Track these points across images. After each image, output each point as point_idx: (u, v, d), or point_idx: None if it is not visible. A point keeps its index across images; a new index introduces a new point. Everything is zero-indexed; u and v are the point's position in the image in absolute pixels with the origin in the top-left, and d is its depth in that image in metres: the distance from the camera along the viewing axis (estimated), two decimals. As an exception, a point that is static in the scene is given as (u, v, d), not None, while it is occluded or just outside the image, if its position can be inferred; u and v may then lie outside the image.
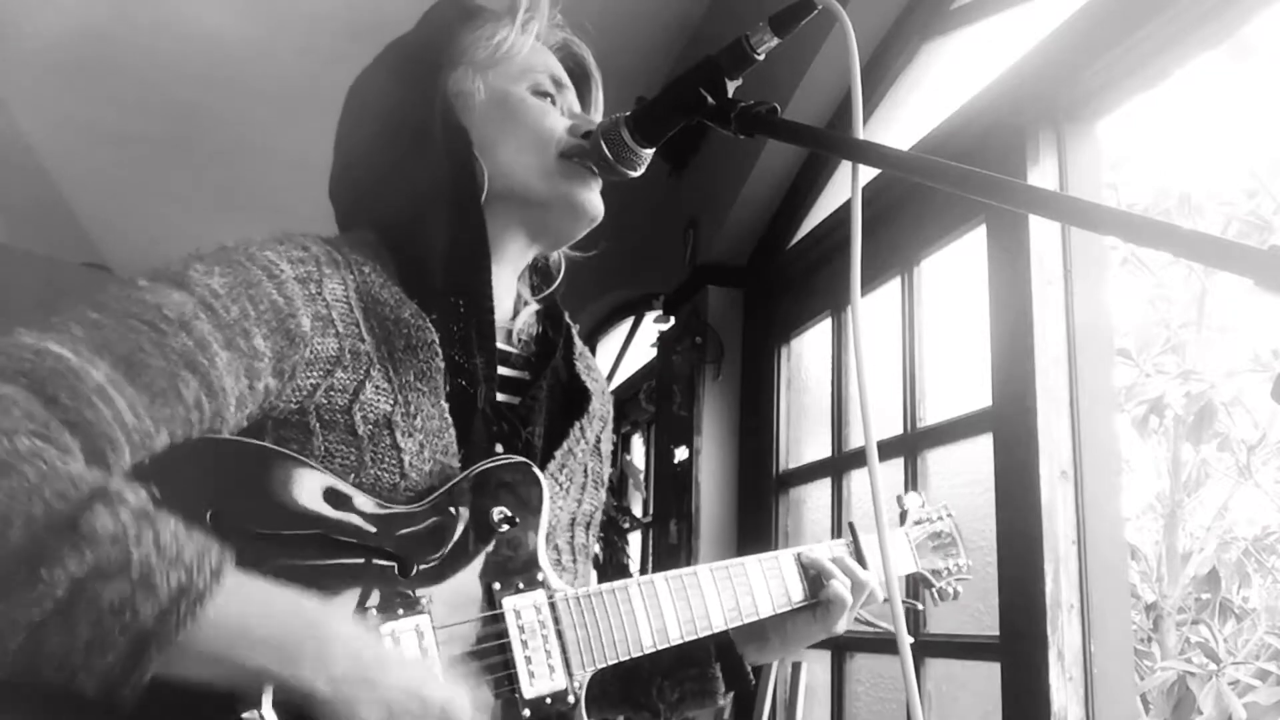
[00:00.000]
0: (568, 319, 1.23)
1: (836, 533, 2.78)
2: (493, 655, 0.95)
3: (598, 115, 1.20)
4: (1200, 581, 7.67)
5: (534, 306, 1.19)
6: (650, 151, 1.06)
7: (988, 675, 2.06)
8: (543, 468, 1.07)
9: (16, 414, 0.71)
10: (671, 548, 3.37)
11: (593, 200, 1.11)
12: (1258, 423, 8.01)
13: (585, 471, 1.17)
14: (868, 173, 0.99)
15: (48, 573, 0.66)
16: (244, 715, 0.74)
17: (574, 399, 1.17)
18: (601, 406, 1.21)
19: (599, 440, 1.20)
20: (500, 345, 1.10)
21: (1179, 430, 8.17)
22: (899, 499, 1.53)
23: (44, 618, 0.66)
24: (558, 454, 1.10)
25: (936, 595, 1.48)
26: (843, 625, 1.27)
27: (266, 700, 0.75)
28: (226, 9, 3.63)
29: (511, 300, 1.17)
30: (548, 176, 1.09)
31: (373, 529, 0.91)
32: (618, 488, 4.22)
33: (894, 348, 2.55)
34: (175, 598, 0.70)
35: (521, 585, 0.98)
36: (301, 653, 0.76)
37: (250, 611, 0.75)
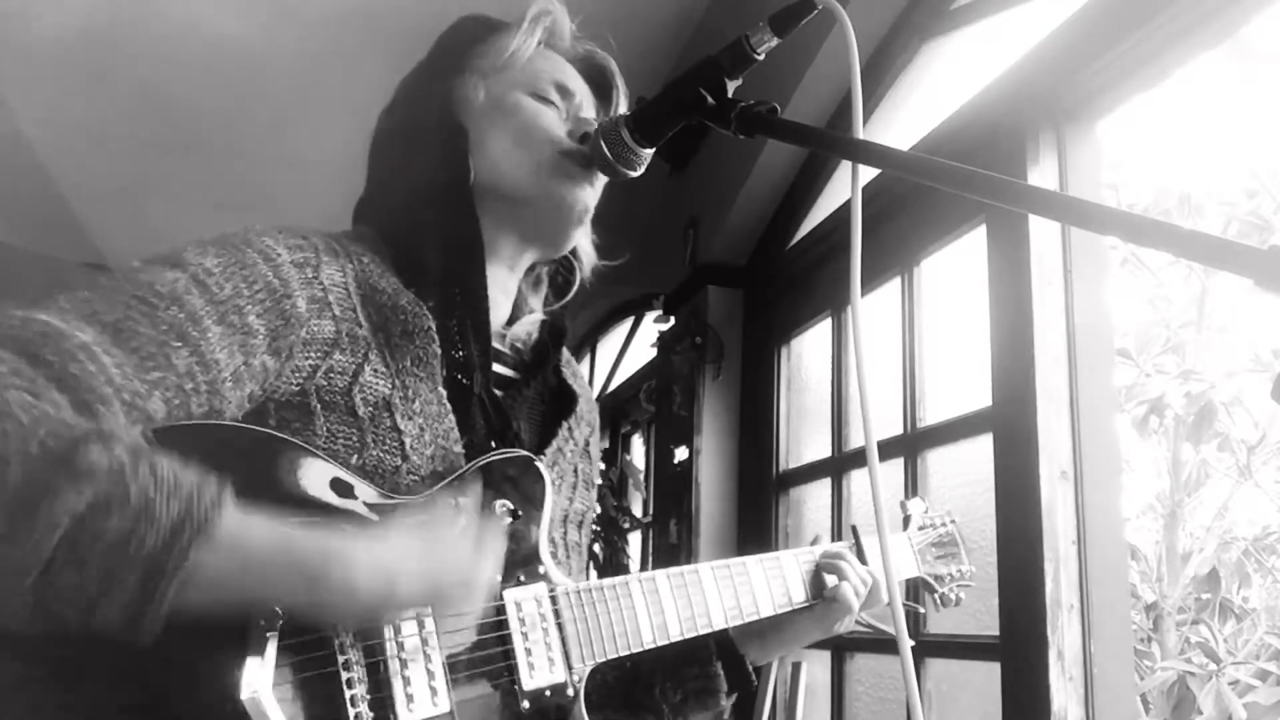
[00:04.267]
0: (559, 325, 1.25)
1: (837, 534, 2.78)
2: (493, 646, 0.95)
3: None
4: (1200, 581, 7.68)
5: (538, 316, 1.20)
6: (650, 151, 1.07)
7: (988, 675, 2.06)
8: None
9: (3, 369, 0.72)
10: (671, 548, 3.37)
11: (578, 195, 1.11)
12: (1258, 423, 8.01)
13: (575, 471, 1.18)
14: (868, 173, 0.99)
15: (48, 508, 0.67)
16: (243, 697, 0.75)
17: (562, 401, 1.19)
18: (589, 411, 1.23)
19: (588, 444, 1.22)
20: (494, 345, 1.11)
21: (1179, 430, 8.18)
22: (902, 504, 1.53)
23: (51, 554, 0.67)
24: (548, 452, 1.11)
25: (939, 601, 1.49)
26: (843, 627, 1.28)
27: (270, 655, 0.76)
28: (227, 10, 3.63)
29: (510, 302, 1.18)
30: (535, 172, 1.10)
31: (376, 518, 0.91)
32: (618, 488, 4.22)
33: (894, 348, 2.55)
34: (178, 525, 0.71)
35: (523, 578, 1.00)
36: (324, 584, 0.76)
37: (259, 539, 0.76)
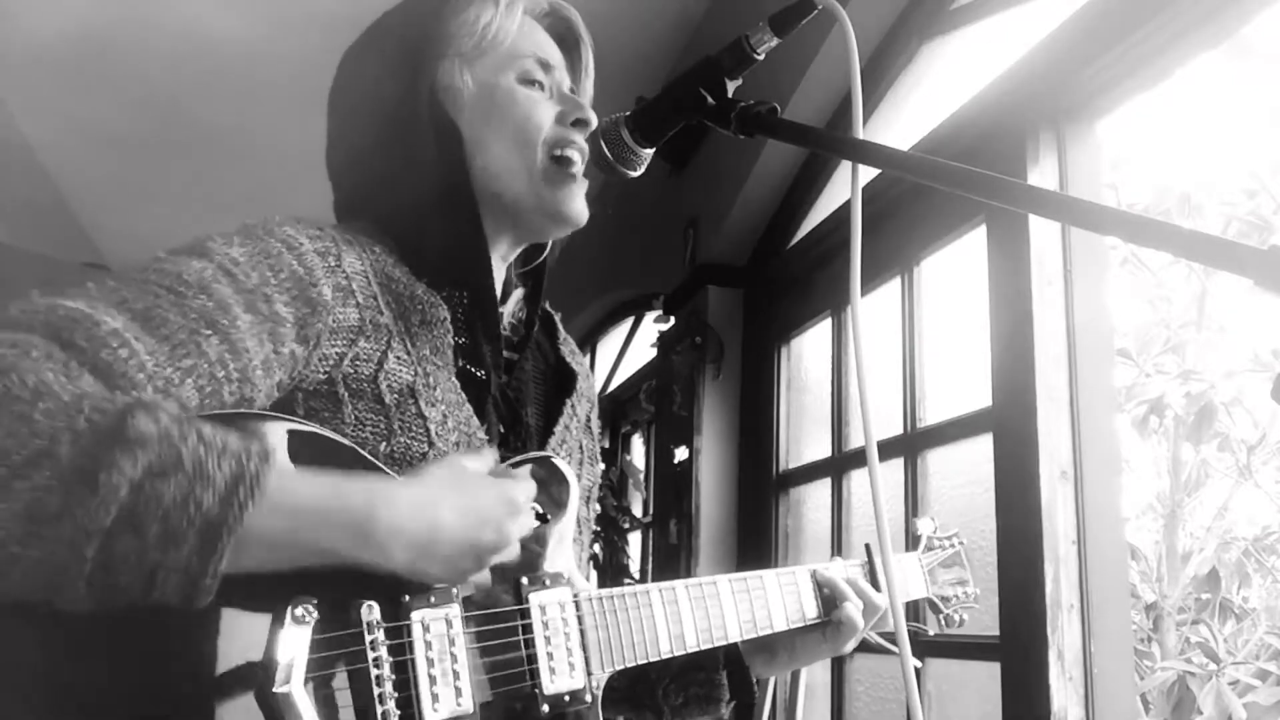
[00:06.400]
0: (548, 308, 1.26)
1: (837, 534, 2.78)
2: (516, 649, 0.96)
3: (588, 80, 1.21)
4: (1200, 581, 7.67)
5: (519, 292, 1.20)
6: (650, 151, 1.06)
7: (988, 675, 2.06)
8: (543, 445, 1.11)
9: (36, 354, 0.71)
10: (671, 548, 3.37)
11: (576, 207, 1.11)
12: (1258, 423, 8.00)
13: (581, 448, 1.20)
14: (868, 173, 0.99)
15: (106, 478, 0.67)
16: (275, 690, 0.75)
17: (563, 380, 1.22)
18: (587, 387, 1.26)
19: (589, 419, 1.24)
20: None
21: (1179, 430, 8.17)
22: (912, 523, 1.54)
23: (111, 523, 0.67)
24: (557, 430, 1.14)
25: (943, 621, 1.51)
26: (851, 646, 1.31)
27: (305, 648, 0.76)
28: (226, 9, 3.63)
29: (501, 284, 1.18)
30: (532, 181, 1.09)
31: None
32: (618, 488, 4.21)
33: (894, 348, 2.55)
34: (233, 483, 0.71)
35: (547, 582, 1.00)
36: (371, 527, 0.79)
37: (307, 491, 0.78)
